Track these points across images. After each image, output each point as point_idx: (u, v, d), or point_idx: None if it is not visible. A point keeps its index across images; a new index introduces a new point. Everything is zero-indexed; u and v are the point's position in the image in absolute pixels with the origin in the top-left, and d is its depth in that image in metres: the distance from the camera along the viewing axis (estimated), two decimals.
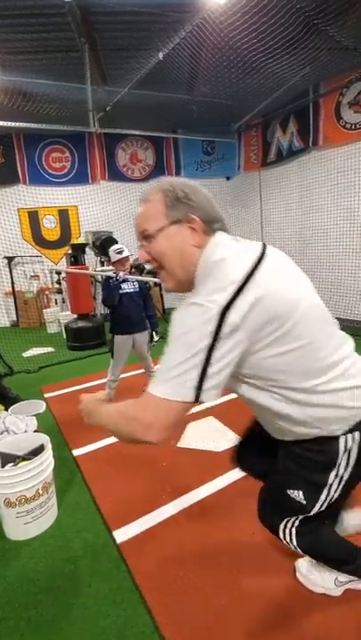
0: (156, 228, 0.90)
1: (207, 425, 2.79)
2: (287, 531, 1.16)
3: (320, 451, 0.99)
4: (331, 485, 1.02)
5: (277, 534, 1.19)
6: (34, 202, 6.83)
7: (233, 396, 3.46)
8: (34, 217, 6.92)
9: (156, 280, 3.06)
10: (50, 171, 6.84)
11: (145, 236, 0.92)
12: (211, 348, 0.77)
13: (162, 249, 0.90)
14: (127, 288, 2.99)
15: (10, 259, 6.75)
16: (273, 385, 0.91)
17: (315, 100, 5.48)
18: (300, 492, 1.06)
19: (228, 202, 7.46)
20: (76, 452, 2.51)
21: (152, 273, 6.87)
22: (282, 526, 1.16)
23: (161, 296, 7.03)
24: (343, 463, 0.99)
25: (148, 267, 6.36)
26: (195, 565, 1.57)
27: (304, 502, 1.06)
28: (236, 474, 2.14)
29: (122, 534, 1.77)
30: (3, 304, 6.91)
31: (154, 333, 3.06)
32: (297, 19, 3.38)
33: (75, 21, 3.58)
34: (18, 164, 6.67)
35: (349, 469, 1.01)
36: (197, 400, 0.79)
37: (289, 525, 1.15)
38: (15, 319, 6.94)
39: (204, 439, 2.58)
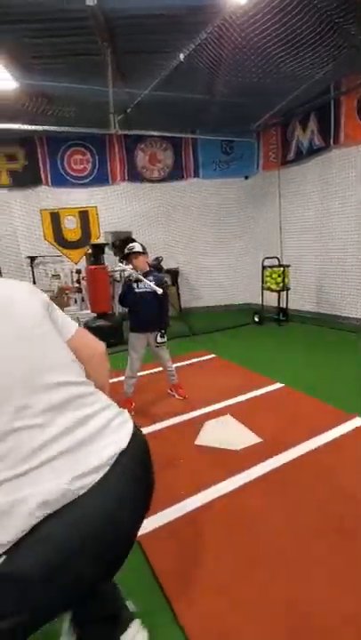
0: None
1: (224, 424, 2.82)
2: None
3: None
4: None
5: None
6: (55, 203, 7.00)
7: (250, 395, 3.44)
8: (55, 217, 7.09)
9: (158, 289, 3.02)
10: (71, 172, 6.99)
11: None
12: None
13: None
14: (143, 287, 3.01)
15: (32, 258, 6.94)
16: None
17: (336, 97, 5.41)
18: None
19: (247, 201, 7.44)
20: None
21: (171, 272, 6.94)
22: None
23: (178, 295, 7.08)
24: None
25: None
26: (215, 563, 1.60)
27: None
28: (253, 473, 2.17)
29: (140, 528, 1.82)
30: None
31: (158, 334, 3.06)
32: (319, 17, 3.36)
33: (97, 25, 3.66)
34: (40, 166, 6.85)
35: None
36: None
37: None
38: None
39: (221, 438, 2.61)
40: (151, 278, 3.00)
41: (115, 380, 3.84)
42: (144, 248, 3.08)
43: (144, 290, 3.00)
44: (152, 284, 2.93)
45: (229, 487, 2.06)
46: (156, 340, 3.07)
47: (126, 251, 3.05)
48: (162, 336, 3.07)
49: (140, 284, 3.00)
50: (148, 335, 3.08)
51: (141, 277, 2.97)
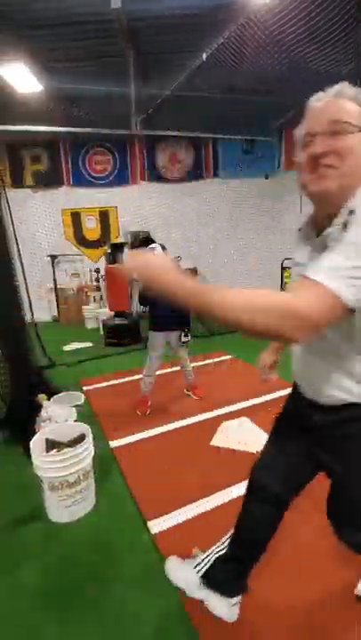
0: (359, 125, 0.88)
1: (241, 425, 2.79)
2: None
3: None
4: None
5: None
6: (76, 203, 7.11)
7: (266, 397, 3.38)
8: (76, 217, 7.21)
9: None
10: (92, 172, 7.09)
11: (335, 129, 0.89)
12: None
13: (353, 148, 0.87)
14: None
15: (53, 257, 7.08)
16: None
17: None
18: None
19: (267, 201, 7.35)
20: (114, 444, 2.61)
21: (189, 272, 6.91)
22: None
23: None
24: None
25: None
26: None
27: None
28: None
29: (156, 525, 1.83)
30: (46, 300, 7.23)
31: (182, 333, 3.07)
32: (347, 12, 3.29)
33: (121, 27, 3.69)
34: (63, 167, 6.98)
35: None
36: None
37: None
38: (56, 314, 7.27)
39: (237, 439, 2.59)
40: None
41: (133, 378, 3.87)
42: (163, 248, 3.09)
43: None
44: None
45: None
46: (180, 338, 3.08)
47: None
48: (185, 335, 3.08)
49: None
50: (167, 334, 3.08)
51: None
